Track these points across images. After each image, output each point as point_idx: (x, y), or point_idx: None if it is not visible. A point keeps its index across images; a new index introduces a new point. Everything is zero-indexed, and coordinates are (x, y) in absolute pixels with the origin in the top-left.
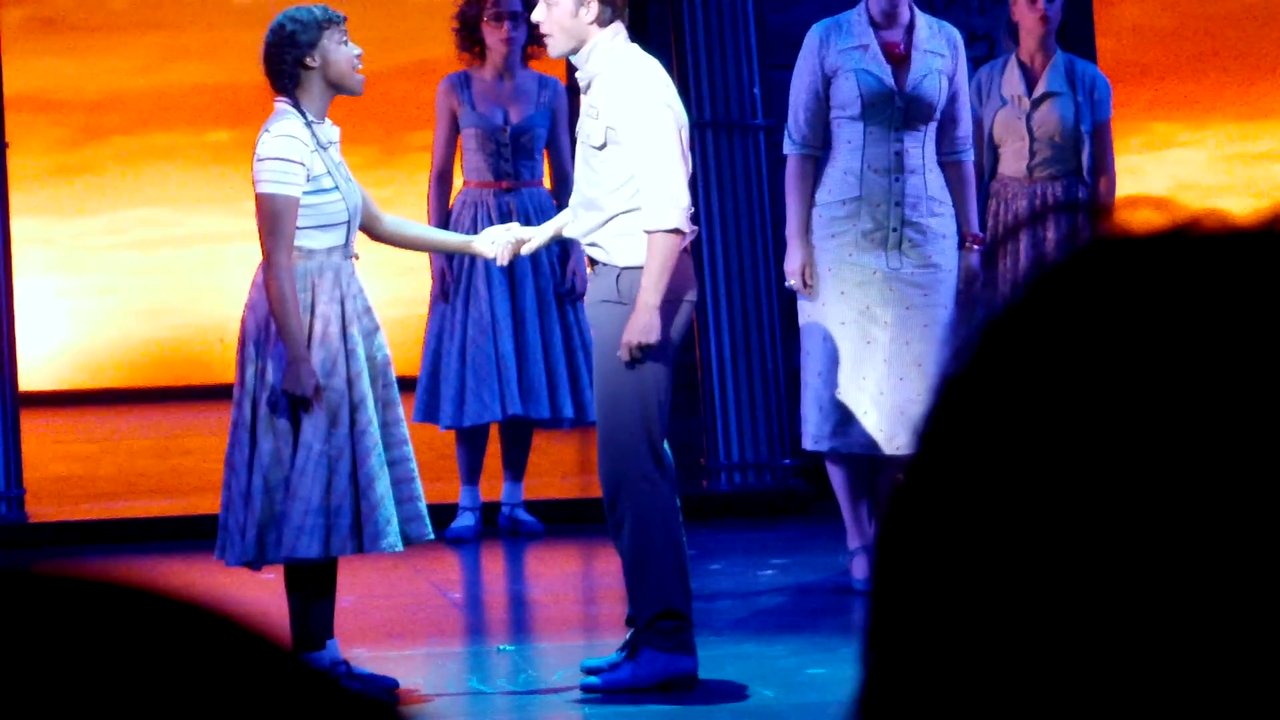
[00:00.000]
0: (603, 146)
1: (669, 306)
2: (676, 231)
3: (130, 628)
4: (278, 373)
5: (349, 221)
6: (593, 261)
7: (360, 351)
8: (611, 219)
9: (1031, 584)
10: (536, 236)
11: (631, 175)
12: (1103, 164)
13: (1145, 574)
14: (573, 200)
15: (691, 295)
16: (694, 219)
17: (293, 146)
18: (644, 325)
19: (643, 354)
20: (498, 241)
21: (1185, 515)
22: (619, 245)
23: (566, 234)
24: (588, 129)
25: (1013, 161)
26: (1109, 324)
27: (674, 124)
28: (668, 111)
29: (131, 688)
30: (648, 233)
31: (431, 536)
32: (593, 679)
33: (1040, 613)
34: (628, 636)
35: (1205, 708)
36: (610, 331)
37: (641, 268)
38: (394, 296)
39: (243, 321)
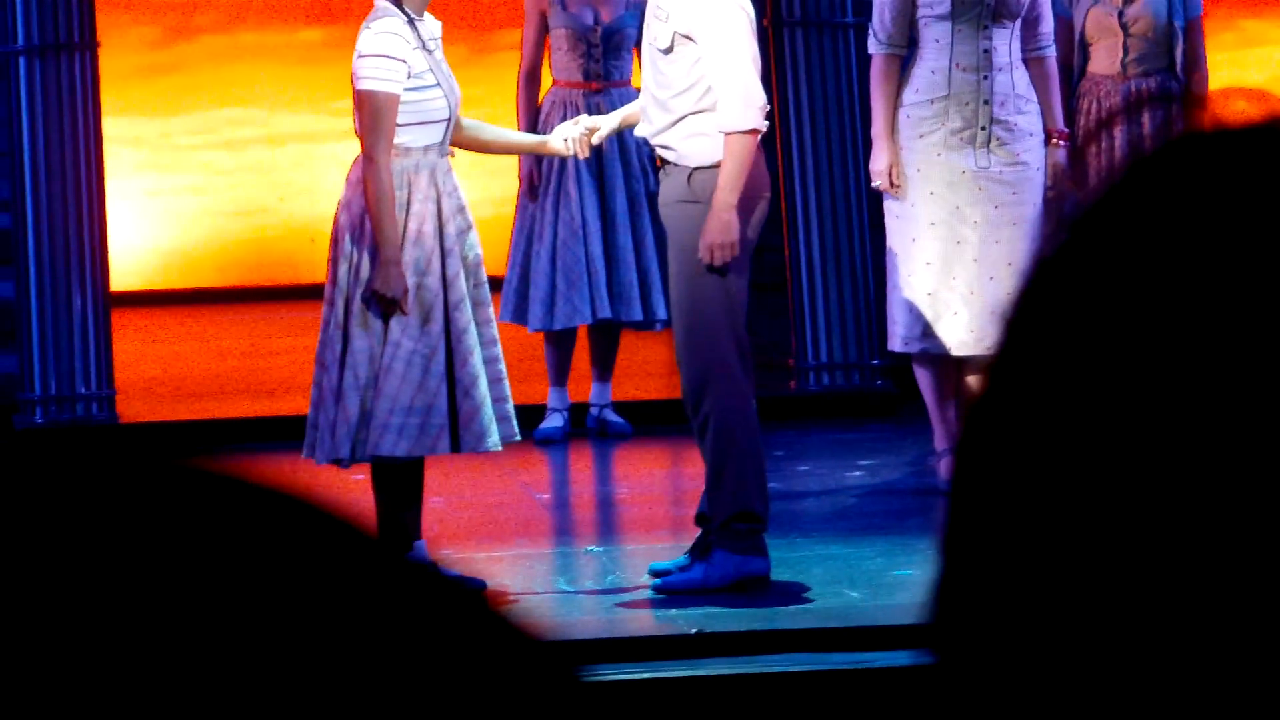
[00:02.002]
0: (669, 50)
1: (745, 205)
2: (753, 131)
3: (239, 518)
4: (372, 271)
5: (448, 119)
6: (663, 162)
7: (456, 251)
8: (681, 119)
9: (1117, 481)
10: (605, 124)
11: (700, 76)
12: (1196, 59)
13: (1237, 477)
14: (641, 100)
15: (766, 192)
16: (767, 116)
17: (394, 43)
18: (722, 225)
19: (724, 255)
20: (570, 137)
21: None
22: (690, 146)
23: (637, 134)
24: (655, 31)
25: (1105, 59)
26: (1203, 215)
27: (747, 23)
28: (740, 11)
29: (241, 574)
30: (725, 133)
31: (519, 438)
32: (666, 580)
33: (1126, 513)
34: (696, 538)
35: None
36: (687, 231)
37: (713, 167)
38: (483, 196)
39: (336, 219)
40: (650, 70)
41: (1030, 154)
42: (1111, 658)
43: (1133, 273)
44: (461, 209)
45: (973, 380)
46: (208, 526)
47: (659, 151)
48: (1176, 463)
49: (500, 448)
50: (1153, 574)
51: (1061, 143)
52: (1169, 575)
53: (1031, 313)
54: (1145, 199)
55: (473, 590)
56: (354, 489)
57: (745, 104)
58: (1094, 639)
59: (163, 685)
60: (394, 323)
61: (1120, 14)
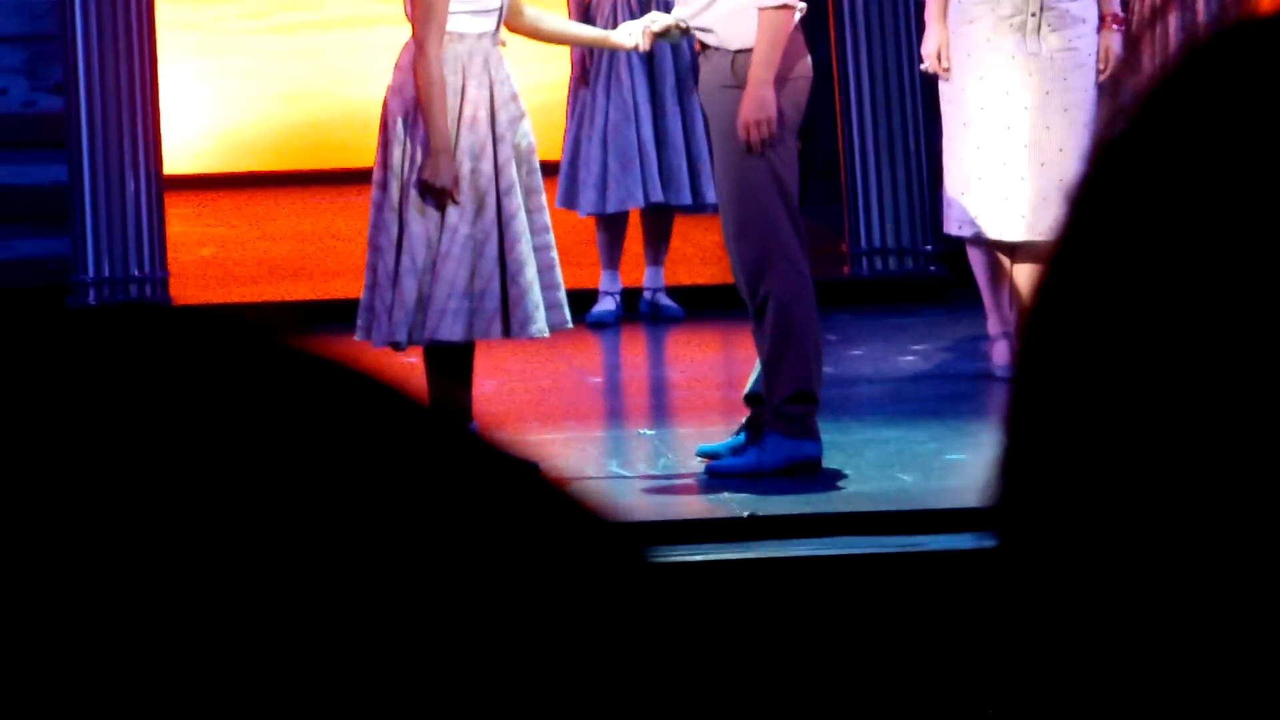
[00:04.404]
0: None
1: (782, 84)
2: (786, 7)
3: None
4: (423, 159)
5: (501, 7)
6: (704, 46)
7: (509, 138)
8: None
9: (1185, 360)
10: (667, 18)
11: None
12: None
13: None
14: None
15: (805, 71)
16: None
17: None
18: (758, 101)
19: (761, 132)
20: (634, 33)
21: None
22: (729, 27)
23: (674, 14)
24: None
25: None
26: (1259, 101)
27: None
28: None
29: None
30: (758, 9)
31: (571, 325)
32: (719, 463)
33: (1195, 391)
34: (746, 418)
35: None
36: (730, 117)
37: (755, 42)
38: (535, 82)
39: (386, 103)
40: None
41: (1082, 40)
42: (1174, 538)
43: (1195, 157)
44: (514, 96)
45: (1025, 266)
46: (300, 402)
47: (698, 35)
48: (1246, 339)
49: (546, 334)
50: (1226, 452)
51: (1116, 27)
52: (1243, 456)
53: (1096, 194)
54: (1202, 85)
55: (527, 463)
56: (407, 371)
57: None
58: (1159, 519)
59: (251, 551)
60: (450, 209)
61: None
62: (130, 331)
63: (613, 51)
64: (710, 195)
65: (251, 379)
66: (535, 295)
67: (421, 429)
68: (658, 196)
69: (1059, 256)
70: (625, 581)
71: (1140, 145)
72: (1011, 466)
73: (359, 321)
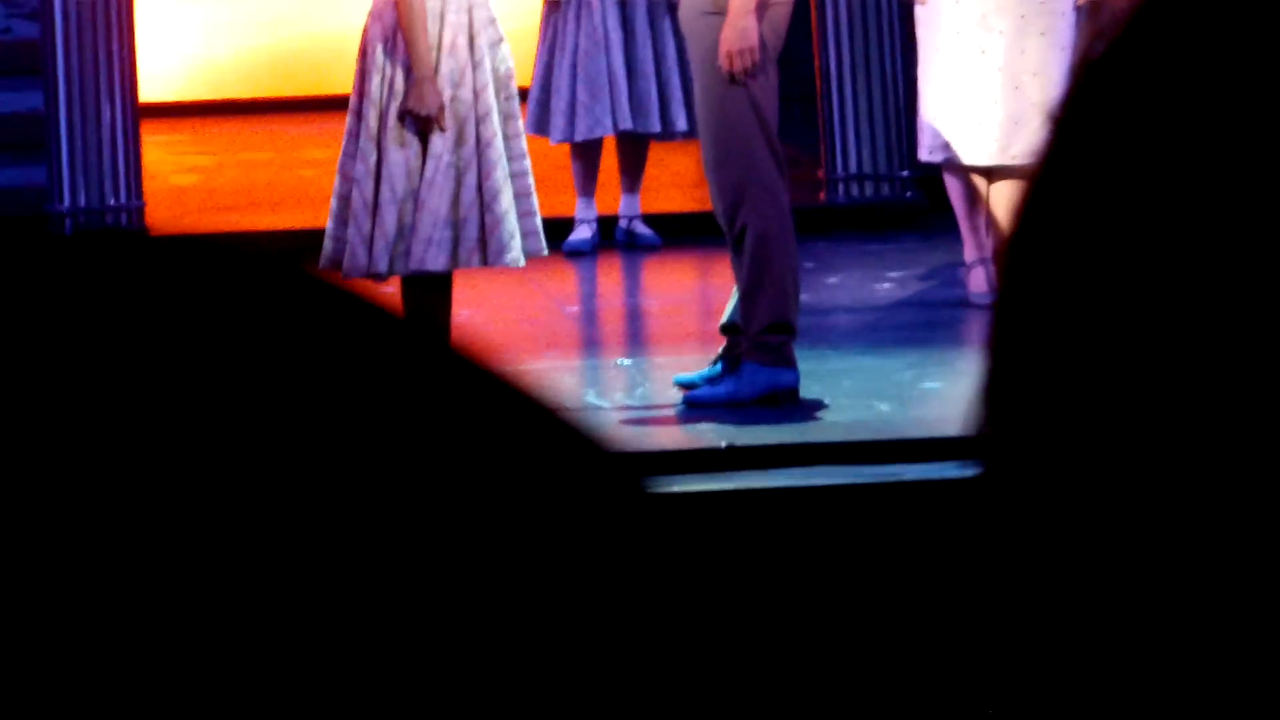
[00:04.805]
0: None
1: (763, 11)
2: None
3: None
4: (406, 86)
5: None
6: None
7: (486, 63)
8: None
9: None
10: None
11: None
12: None
13: None
14: None
15: None
16: None
17: None
18: (739, 31)
19: (744, 62)
20: None
21: None
22: None
23: None
24: None
25: None
26: (1246, 20)
27: None
28: None
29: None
30: None
31: (546, 252)
32: (696, 393)
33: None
34: (723, 347)
35: None
36: (710, 44)
37: None
38: (510, 9)
39: (366, 30)
40: None
41: None
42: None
43: (1179, 77)
44: (492, 21)
45: (1000, 190)
46: (289, 326)
47: None
48: (1232, 257)
49: (522, 263)
50: (1214, 371)
51: None
52: (1231, 374)
53: (1080, 115)
54: (1185, 6)
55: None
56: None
57: None
58: (1147, 441)
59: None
60: (434, 136)
61: None
62: (108, 259)
63: None
64: (680, 123)
65: (241, 305)
66: (511, 223)
67: (418, 353)
68: (627, 124)
69: (1042, 178)
70: (626, 512)
71: (1124, 66)
72: (996, 392)
73: (326, 249)
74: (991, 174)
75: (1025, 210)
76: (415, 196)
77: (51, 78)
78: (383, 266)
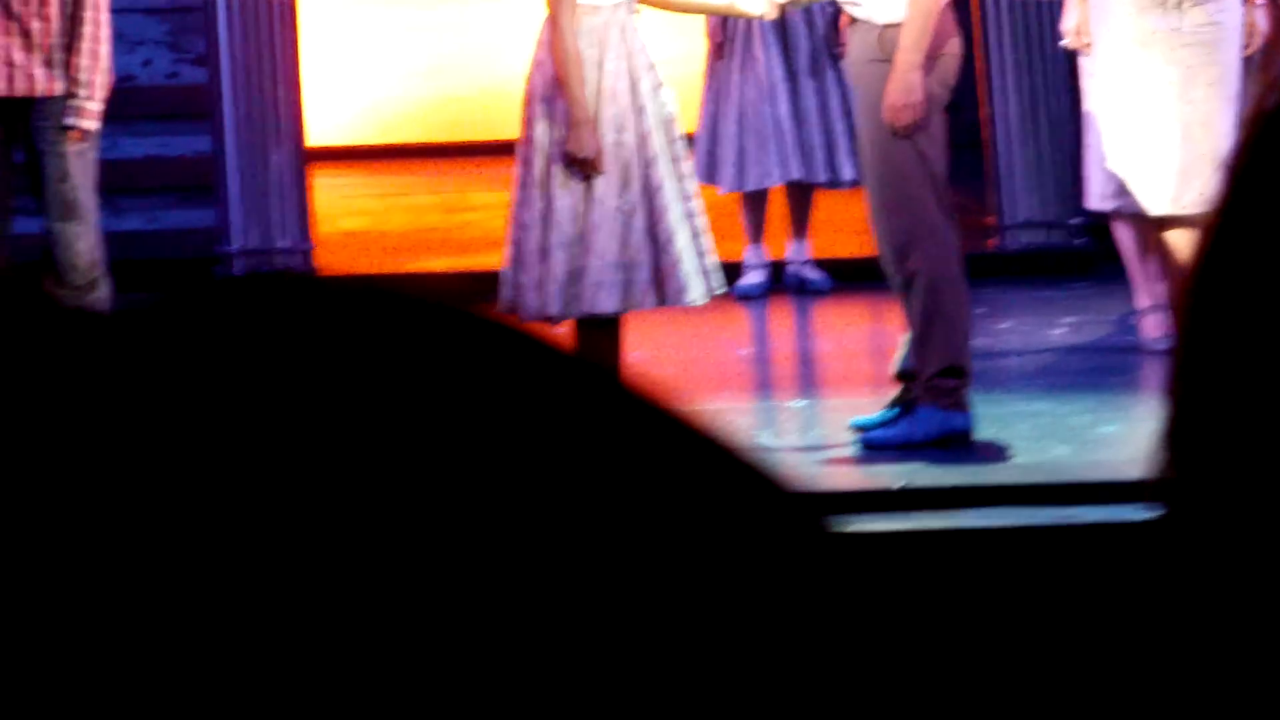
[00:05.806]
0: None
1: (931, 63)
2: None
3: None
4: (565, 132)
5: None
6: (851, 19)
7: (649, 108)
8: None
9: None
10: None
11: None
12: None
13: None
14: None
15: (954, 49)
16: None
17: None
18: (906, 85)
19: (908, 117)
20: (762, 2)
21: None
22: (878, 0)
23: None
24: None
25: None
26: None
27: None
28: None
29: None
30: None
31: (724, 290)
32: (871, 435)
33: None
34: (897, 393)
35: None
36: (877, 92)
37: (902, 24)
38: (669, 55)
39: (529, 79)
40: None
41: (1225, 14)
42: None
43: None
44: (651, 67)
45: (1173, 238)
46: (470, 368)
47: (846, 7)
48: None
49: (702, 301)
50: None
51: (1260, 1)
52: None
53: (1256, 164)
54: None
55: (728, 441)
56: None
57: None
58: None
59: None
60: (596, 180)
61: None
62: (281, 300)
63: (748, 29)
64: (846, 172)
65: (419, 347)
66: (688, 263)
67: (602, 395)
68: (796, 173)
69: (1220, 226)
70: (812, 552)
71: None
72: (1178, 436)
73: (503, 295)
74: (1163, 223)
75: (1204, 258)
76: (583, 240)
77: (219, 121)
78: (555, 309)
